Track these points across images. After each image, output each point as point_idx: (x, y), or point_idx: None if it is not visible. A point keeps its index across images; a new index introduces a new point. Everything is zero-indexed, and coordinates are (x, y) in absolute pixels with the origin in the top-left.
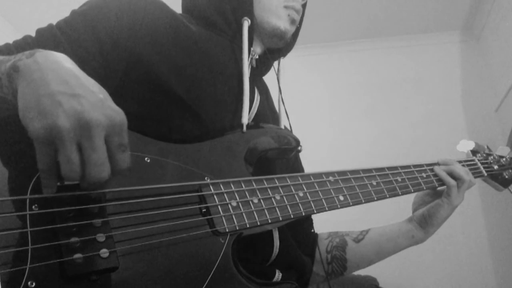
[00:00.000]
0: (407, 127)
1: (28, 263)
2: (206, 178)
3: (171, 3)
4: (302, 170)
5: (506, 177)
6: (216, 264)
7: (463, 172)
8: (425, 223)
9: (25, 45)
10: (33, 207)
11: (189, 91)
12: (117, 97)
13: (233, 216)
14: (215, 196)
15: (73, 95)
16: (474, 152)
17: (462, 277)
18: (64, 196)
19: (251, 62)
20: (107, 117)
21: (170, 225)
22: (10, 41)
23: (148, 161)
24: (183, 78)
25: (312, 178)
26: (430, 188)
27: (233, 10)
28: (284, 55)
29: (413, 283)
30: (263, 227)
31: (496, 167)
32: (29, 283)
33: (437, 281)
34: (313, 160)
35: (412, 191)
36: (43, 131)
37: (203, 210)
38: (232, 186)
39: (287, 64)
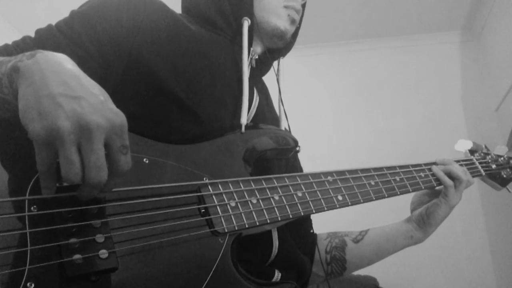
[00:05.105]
0: (407, 127)
1: (27, 264)
2: (204, 178)
3: (171, 3)
4: (300, 170)
5: (504, 176)
6: (215, 265)
7: (461, 171)
8: (423, 223)
9: (24, 45)
10: (32, 208)
11: (188, 92)
12: (116, 97)
13: (232, 217)
14: (213, 197)
15: (74, 97)
16: (472, 151)
17: (462, 277)
18: (63, 197)
19: (250, 62)
20: (107, 119)
21: (169, 225)
22: (10, 41)
23: (147, 162)
24: (183, 78)
25: (310, 178)
26: (429, 188)
27: (233, 10)
28: (284, 55)
29: (413, 283)
30: (262, 227)
31: (494, 166)
32: (28, 284)
33: (437, 281)
34: (312, 160)
35: (411, 190)
36: (43, 132)
37: (202, 211)
38: (230, 186)
39: (287, 64)
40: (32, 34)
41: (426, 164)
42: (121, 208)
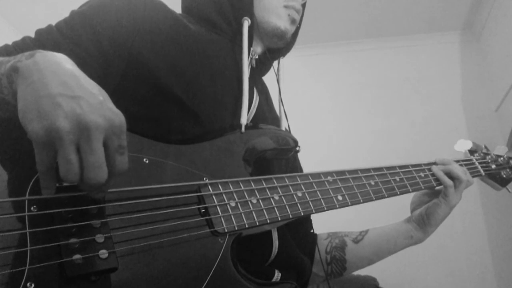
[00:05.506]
0: (407, 127)
1: (27, 264)
2: (204, 178)
3: (171, 3)
4: (300, 170)
5: (504, 176)
6: (215, 265)
7: (461, 171)
8: (423, 223)
9: (24, 46)
10: (32, 208)
11: (188, 92)
12: (116, 97)
13: (232, 217)
14: (213, 197)
15: (73, 96)
16: (471, 151)
17: (462, 277)
18: (63, 197)
19: (250, 62)
20: (106, 119)
21: (169, 225)
22: (10, 41)
23: (147, 162)
24: (183, 78)
25: (310, 178)
26: (429, 188)
27: (233, 10)
28: (284, 54)
29: (413, 283)
30: (262, 227)
31: (493, 166)
32: (28, 284)
33: (437, 281)
34: (312, 160)
35: (411, 190)
36: (42, 132)
37: (202, 211)
38: (230, 186)
39: (287, 64)
40: (32, 34)
41: (426, 164)
42: (121, 208)
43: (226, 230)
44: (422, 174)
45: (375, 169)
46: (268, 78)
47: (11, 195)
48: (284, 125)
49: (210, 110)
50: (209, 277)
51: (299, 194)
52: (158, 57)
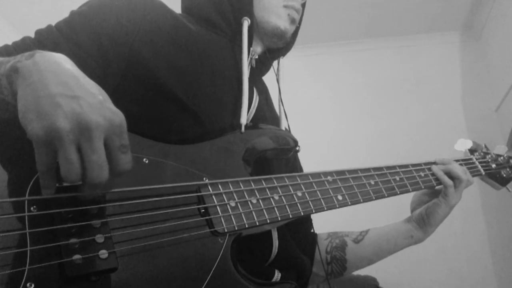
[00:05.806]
0: (407, 127)
1: (27, 265)
2: (204, 178)
3: (171, 3)
4: (300, 170)
5: (504, 175)
6: (215, 265)
7: (461, 171)
8: (423, 222)
9: (24, 46)
10: (32, 208)
11: (188, 92)
12: (116, 97)
13: (232, 217)
14: (213, 197)
15: (73, 96)
16: (471, 151)
17: (462, 276)
18: (63, 197)
19: (250, 62)
20: (106, 118)
21: (169, 225)
22: (10, 41)
23: (147, 162)
24: (182, 78)
25: (310, 178)
26: (428, 187)
27: (233, 10)
28: (284, 54)
29: (413, 283)
30: (262, 227)
31: (493, 165)
32: (28, 284)
33: (437, 281)
34: (312, 160)
35: (411, 190)
36: (42, 132)
37: (202, 211)
38: (230, 186)
39: (287, 64)
40: (32, 34)
41: (426, 164)
42: (121, 208)
43: (226, 230)
44: (422, 174)
45: (375, 169)
46: (268, 78)
47: (11, 195)
48: (284, 125)
49: (210, 110)
50: (209, 277)
51: (299, 194)
52: (158, 57)
